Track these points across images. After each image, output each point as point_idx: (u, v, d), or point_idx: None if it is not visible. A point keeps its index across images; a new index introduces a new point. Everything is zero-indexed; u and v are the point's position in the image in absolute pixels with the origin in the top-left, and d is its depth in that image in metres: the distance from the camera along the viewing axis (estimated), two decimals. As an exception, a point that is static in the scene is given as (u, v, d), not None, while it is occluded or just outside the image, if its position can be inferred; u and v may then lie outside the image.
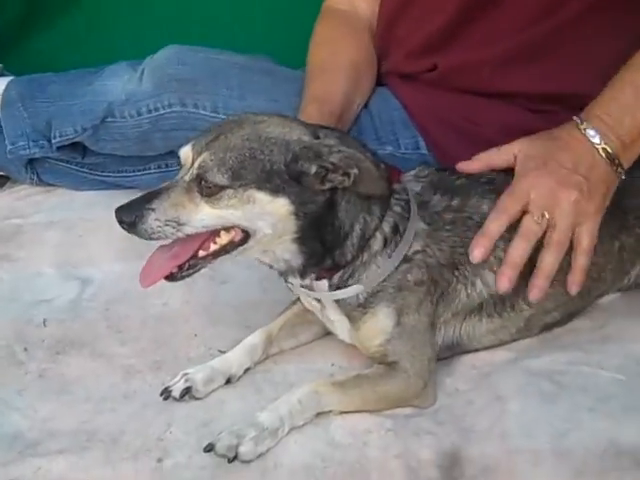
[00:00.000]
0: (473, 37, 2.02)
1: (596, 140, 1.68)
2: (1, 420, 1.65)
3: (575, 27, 1.93)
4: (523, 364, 1.73)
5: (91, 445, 1.58)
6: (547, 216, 1.65)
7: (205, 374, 1.69)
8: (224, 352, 1.76)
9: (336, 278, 1.65)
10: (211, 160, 1.53)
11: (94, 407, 1.68)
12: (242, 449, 1.50)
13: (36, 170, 2.51)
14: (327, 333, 1.82)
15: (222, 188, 1.53)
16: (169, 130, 2.25)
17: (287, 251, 1.61)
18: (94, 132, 2.30)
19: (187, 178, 1.56)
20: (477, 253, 1.64)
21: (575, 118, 1.71)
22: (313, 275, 1.65)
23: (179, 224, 1.54)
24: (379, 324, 1.65)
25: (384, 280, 1.64)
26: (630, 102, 1.69)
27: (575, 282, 1.71)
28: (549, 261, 1.67)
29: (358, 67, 2.16)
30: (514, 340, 1.79)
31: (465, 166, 1.74)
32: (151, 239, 1.55)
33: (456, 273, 1.69)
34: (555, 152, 1.69)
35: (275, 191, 1.53)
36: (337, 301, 1.67)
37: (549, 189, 1.65)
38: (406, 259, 1.65)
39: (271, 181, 1.53)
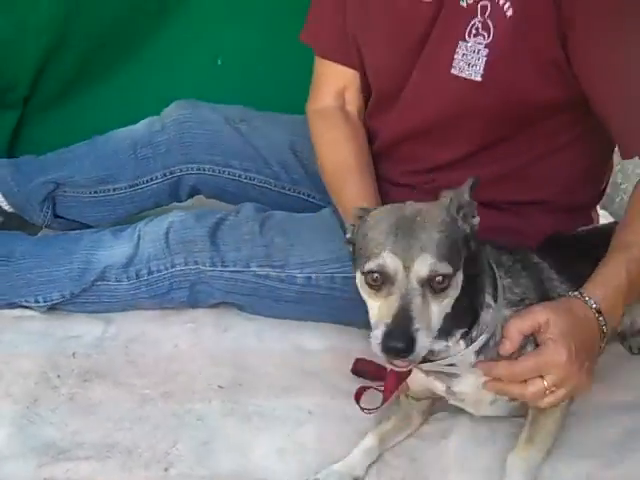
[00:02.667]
0: (478, 160, 2.10)
1: (601, 319, 1.72)
2: (38, 432, 1.93)
3: (556, 156, 2.11)
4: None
5: (111, 455, 1.85)
6: (554, 389, 1.68)
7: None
8: (222, 387, 2.07)
9: (474, 332, 1.66)
10: (432, 257, 1.50)
11: (114, 425, 1.93)
12: None
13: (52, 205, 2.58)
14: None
15: (450, 278, 1.52)
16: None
17: None
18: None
19: (416, 284, 1.50)
20: None
21: (588, 298, 1.73)
22: (457, 336, 1.65)
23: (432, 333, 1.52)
24: None
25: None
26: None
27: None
28: (516, 392, 1.71)
29: (372, 167, 2.22)
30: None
31: (505, 350, 1.68)
32: (418, 357, 1.51)
33: None
34: (577, 332, 1.69)
35: (460, 265, 1.56)
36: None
37: (569, 372, 1.66)
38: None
39: (461, 256, 1.56)
